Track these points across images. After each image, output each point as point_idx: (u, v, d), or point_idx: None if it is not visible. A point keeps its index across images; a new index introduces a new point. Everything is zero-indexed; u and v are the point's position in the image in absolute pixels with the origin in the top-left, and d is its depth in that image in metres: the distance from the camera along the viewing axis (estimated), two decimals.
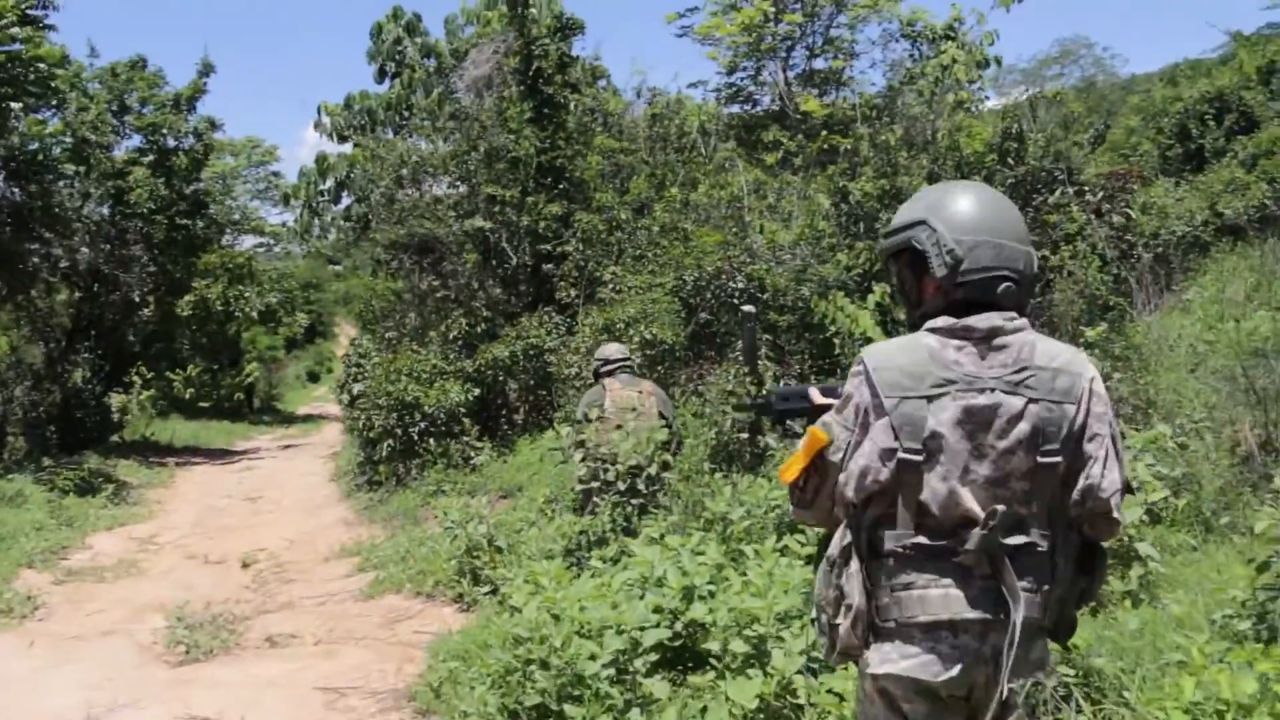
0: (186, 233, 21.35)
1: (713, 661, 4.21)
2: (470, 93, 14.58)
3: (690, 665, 4.42)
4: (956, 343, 2.24)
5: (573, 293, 12.56)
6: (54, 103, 16.56)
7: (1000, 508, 2.17)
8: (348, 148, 19.27)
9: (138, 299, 21.28)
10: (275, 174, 37.03)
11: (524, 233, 13.19)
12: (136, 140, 21.52)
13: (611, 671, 4.23)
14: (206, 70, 22.05)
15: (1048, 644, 2.38)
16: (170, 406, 27.52)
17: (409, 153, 14.33)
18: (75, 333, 21.08)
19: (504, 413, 12.35)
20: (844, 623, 2.29)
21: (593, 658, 4.24)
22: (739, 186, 13.58)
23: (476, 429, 11.53)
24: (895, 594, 2.24)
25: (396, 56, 19.95)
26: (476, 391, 11.60)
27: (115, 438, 20.91)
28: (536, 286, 13.43)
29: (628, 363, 7.44)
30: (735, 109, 20.27)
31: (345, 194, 18.49)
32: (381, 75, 20.44)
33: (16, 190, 16.71)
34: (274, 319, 29.59)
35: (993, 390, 2.21)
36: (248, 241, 35.01)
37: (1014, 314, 2.28)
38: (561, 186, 13.53)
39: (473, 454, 11.07)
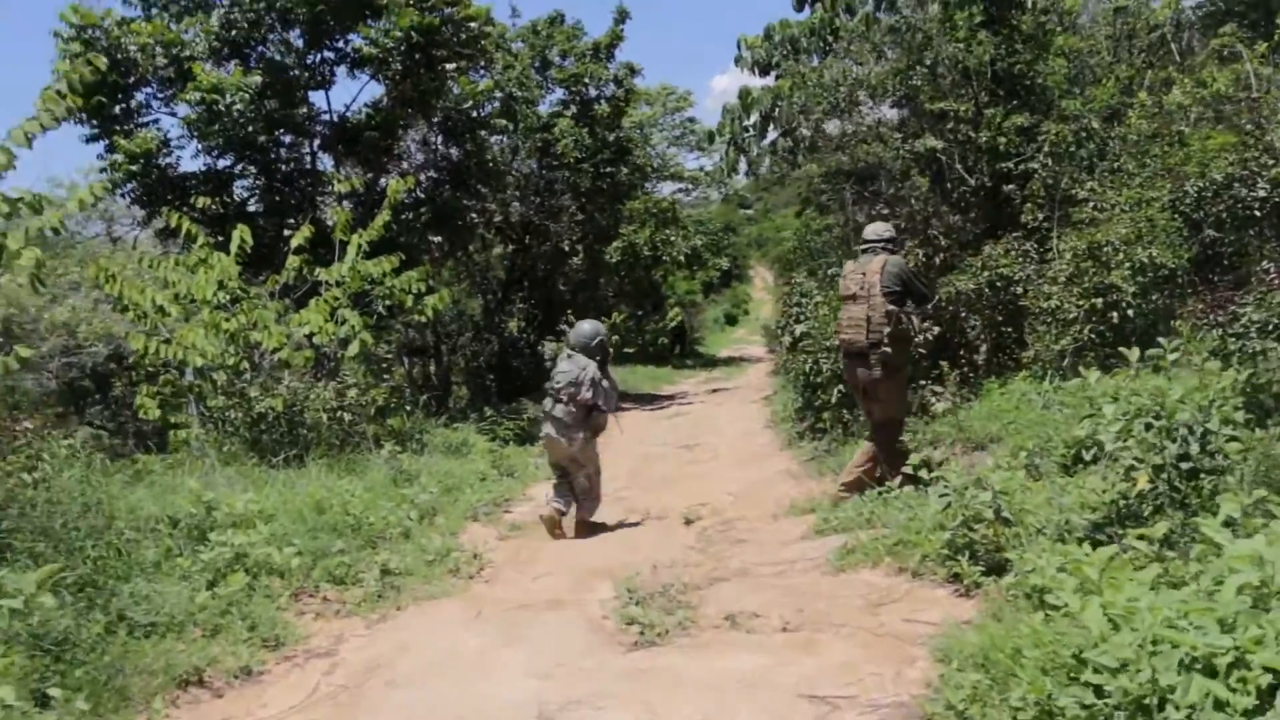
0: (611, 180, 21.34)
1: None
2: (911, 1, 13.09)
3: None
4: None
5: (1040, 215, 10.88)
6: (482, 63, 16.76)
7: None
8: (770, 80, 18.24)
9: (567, 248, 21.61)
10: (691, 119, 37.07)
11: (981, 151, 11.61)
12: (559, 94, 21.77)
13: None
14: (622, 17, 21.91)
15: None
16: None
17: (843, 75, 13.06)
18: (510, 284, 21.70)
19: (963, 353, 10.92)
20: None
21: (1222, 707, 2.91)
22: (1245, 73, 11.34)
23: (936, 372, 10.20)
24: None
25: None
26: (936, 329, 10.25)
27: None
28: (995, 210, 11.82)
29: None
30: (1192, 2, 17.53)
31: (771, 128, 17.48)
32: (801, 2, 19.23)
33: (454, 149, 17.05)
34: (699, 262, 29.43)
35: None
36: (667, 188, 35.32)
37: None
38: (1021, 97, 11.82)
39: (932, 399, 9.76)
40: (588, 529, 8.85)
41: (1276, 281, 7.86)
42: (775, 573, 6.77)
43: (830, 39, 17.03)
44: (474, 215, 18.72)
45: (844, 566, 6.35)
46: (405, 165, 16.97)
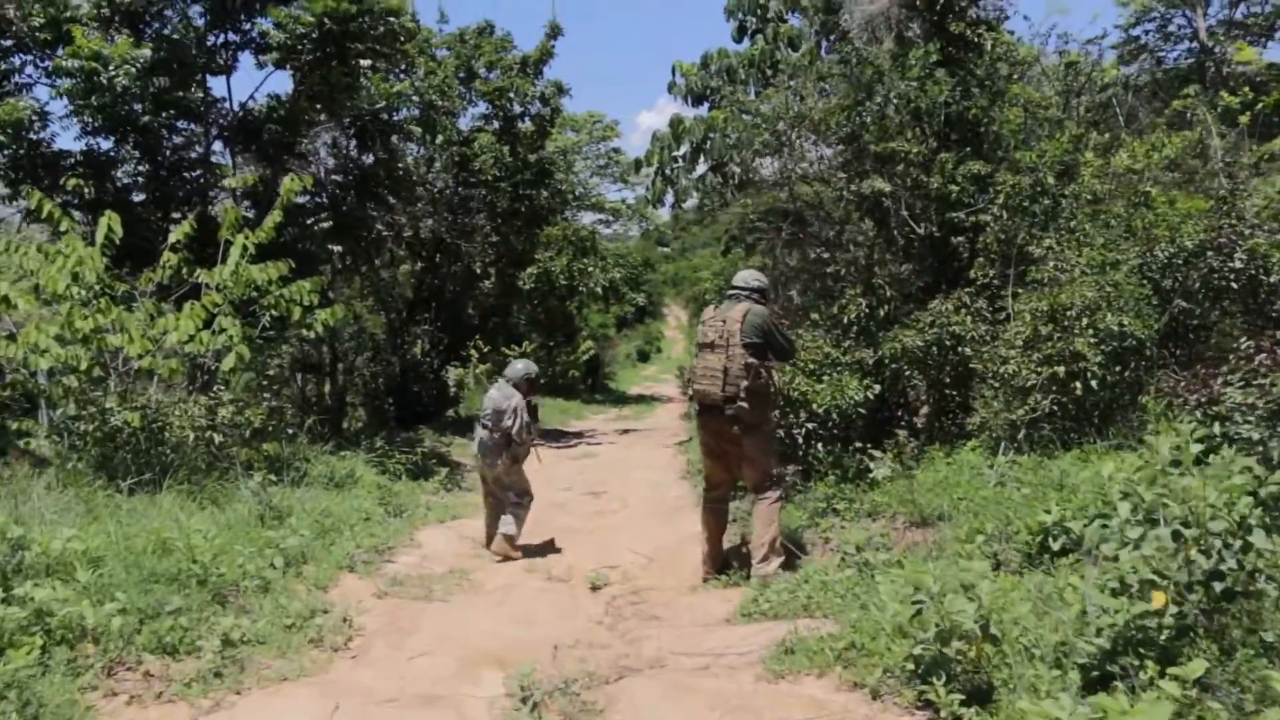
0: (530, 203, 20.20)
1: None
2: (864, 33, 12.24)
3: None
4: None
5: (991, 271, 10.04)
6: (402, 64, 15.58)
7: None
8: (704, 110, 17.36)
9: (479, 270, 20.41)
10: (616, 150, 36.21)
11: (931, 198, 10.75)
12: (482, 107, 20.67)
13: None
14: (554, 32, 20.92)
15: None
16: None
17: (785, 107, 12.16)
18: (416, 304, 20.44)
19: (902, 416, 10.01)
20: None
21: None
22: (1197, 140, 10.74)
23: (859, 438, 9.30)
24: None
25: (759, 10, 17.90)
26: (876, 388, 9.32)
27: (450, 412, 20.12)
28: (941, 263, 10.97)
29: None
30: (1131, 70, 17.14)
31: (701, 160, 16.58)
32: (741, 32, 18.42)
33: (364, 154, 15.82)
34: (616, 296, 28.41)
35: None
36: (587, 218, 34.35)
37: None
38: (974, 144, 11.01)
39: (870, 465, 8.81)
40: (509, 545, 8.86)
41: (1267, 362, 7.05)
42: (698, 668, 5.70)
43: (770, 72, 16.23)
44: (381, 227, 17.49)
45: (783, 672, 5.29)
46: (312, 166, 15.68)
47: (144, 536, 6.69)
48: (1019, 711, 4.11)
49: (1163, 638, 4.22)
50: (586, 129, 34.70)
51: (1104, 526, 4.52)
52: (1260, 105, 11.88)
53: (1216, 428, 6.83)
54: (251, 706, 4.92)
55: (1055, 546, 6.40)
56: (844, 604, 6.24)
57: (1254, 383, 7.09)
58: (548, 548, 9.36)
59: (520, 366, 9.17)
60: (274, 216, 10.46)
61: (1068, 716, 3.54)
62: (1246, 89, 13.07)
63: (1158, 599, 4.18)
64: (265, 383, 11.12)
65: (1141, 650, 4.21)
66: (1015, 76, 12.09)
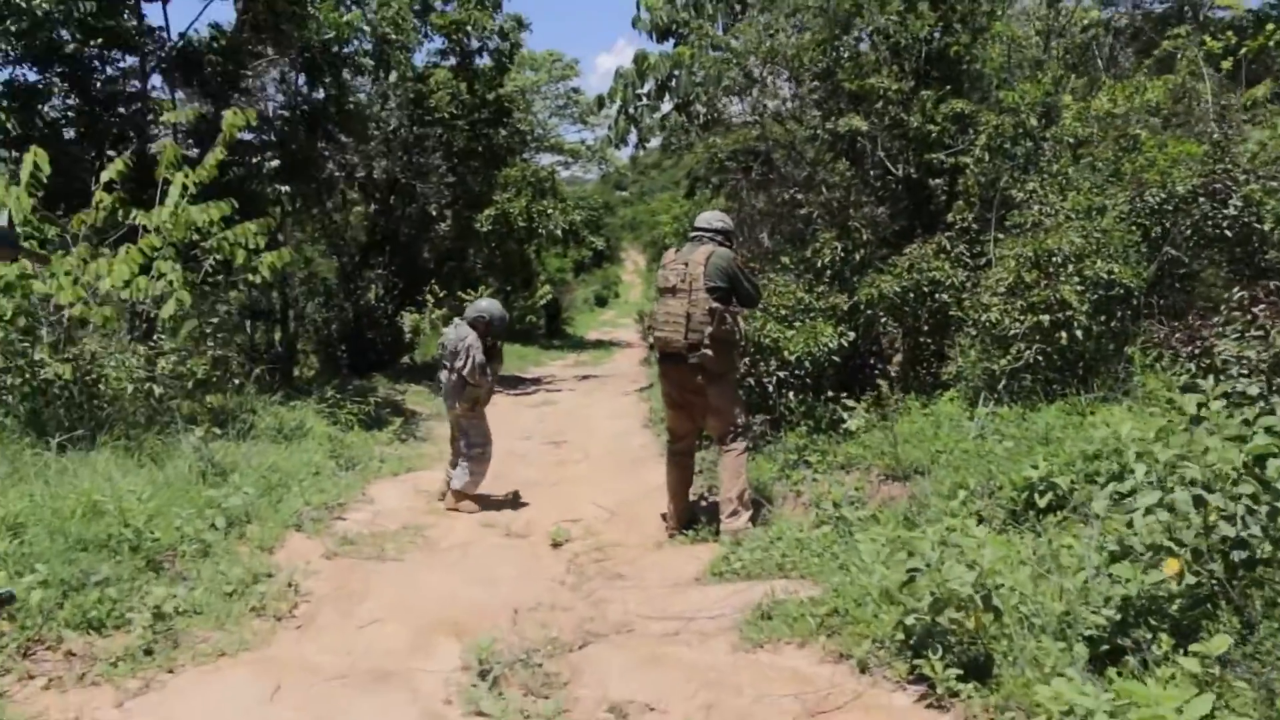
0: (488, 142, 19.56)
1: None
2: None
3: None
4: None
5: (969, 215, 9.65)
6: None
7: None
8: (670, 47, 16.76)
9: (435, 212, 19.77)
10: (576, 90, 35.40)
11: (909, 138, 10.31)
12: (439, 43, 19.92)
13: None
14: None
15: None
16: None
17: (755, 43, 11.64)
18: (370, 248, 19.79)
19: (876, 365, 9.65)
20: None
21: None
22: (1191, 84, 10.39)
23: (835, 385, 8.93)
24: None
25: None
26: (851, 335, 8.94)
27: (406, 359, 19.61)
28: (917, 206, 10.56)
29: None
30: (1108, 13, 16.77)
31: (667, 98, 16.01)
32: None
33: (313, 88, 15.10)
34: (575, 239, 27.79)
35: None
36: (546, 159, 33.61)
37: None
38: (955, 82, 10.57)
39: (845, 416, 8.44)
40: (462, 500, 8.57)
41: (1265, 313, 6.74)
42: (668, 634, 5.34)
43: (739, 7, 15.66)
44: (333, 167, 16.83)
45: (761, 641, 4.92)
46: (260, 103, 14.93)
47: (73, 499, 6.19)
48: (1023, 687, 3.78)
49: (1175, 608, 3.90)
50: (546, 68, 33.81)
51: (1116, 491, 4.12)
52: (1244, 50, 11.55)
53: (1211, 381, 6.53)
54: (183, 688, 4.49)
55: (1041, 503, 6.08)
56: (822, 564, 5.91)
57: (1249, 334, 6.79)
58: (507, 501, 8.96)
59: (483, 305, 8.76)
60: (216, 154, 9.87)
61: (1084, 700, 3.18)
62: (1229, 33, 12.73)
63: (1171, 566, 3.85)
64: (210, 331, 10.55)
65: (1153, 622, 3.89)
66: (997, 13, 11.62)
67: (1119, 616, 3.92)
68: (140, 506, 6.28)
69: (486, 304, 8.79)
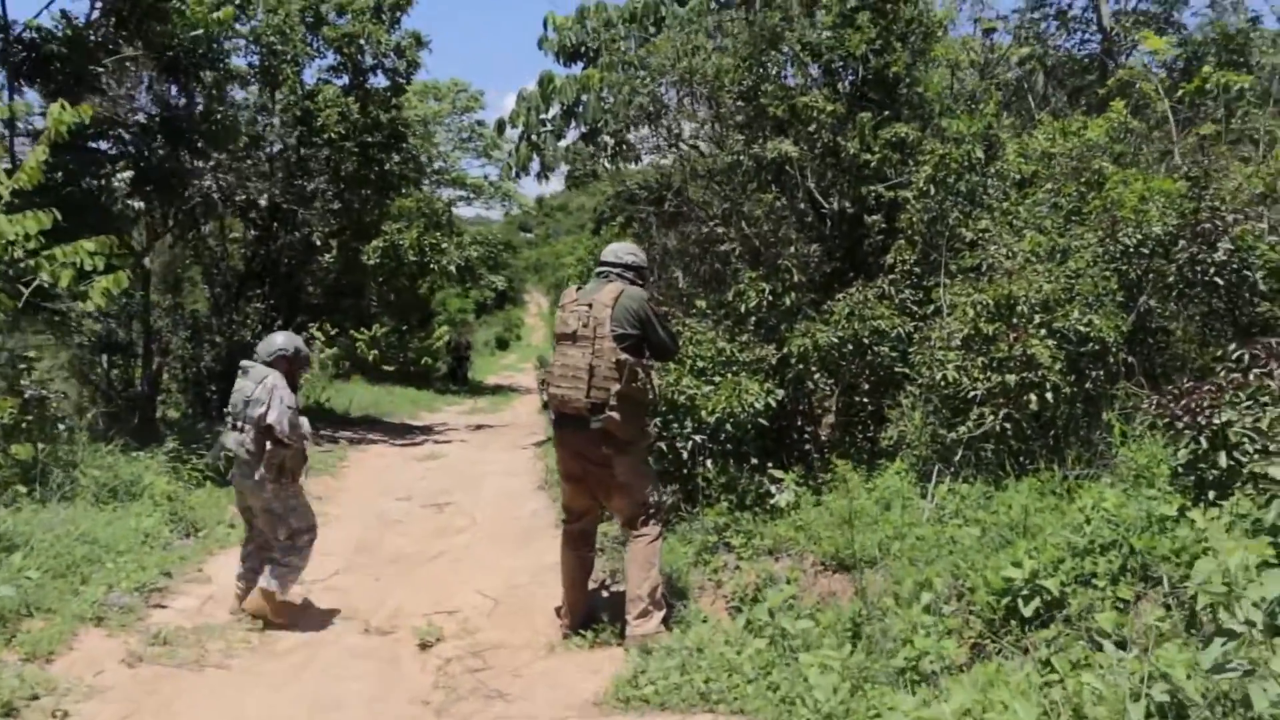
0: (380, 169, 18.01)
1: None
2: None
3: None
4: None
5: (910, 256, 8.46)
6: None
7: None
8: (578, 69, 15.55)
9: (319, 241, 18.13)
10: (480, 123, 34.07)
11: (843, 168, 9.12)
12: (330, 59, 18.37)
13: None
14: None
15: None
16: (353, 368, 24.78)
17: (672, 60, 10.43)
18: (248, 278, 18.04)
19: (804, 427, 8.37)
20: None
21: None
22: (1120, 124, 9.46)
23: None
24: None
25: None
26: (780, 394, 7.63)
27: None
28: (852, 246, 9.37)
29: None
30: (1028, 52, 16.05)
31: (573, 125, 14.77)
32: None
33: (172, 88, 13.42)
34: (471, 276, 26.22)
35: None
36: (446, 193, 32.18)
37: None
38: (893, 107, 9.45)
39: (773, 489, 7.15)
40: (278, 611, 6.43)
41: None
42: None
43: (654, 29, 14.53)
44: (210, 186, 15.14)
45: None
46: (121, 108, 13.18)
47: None
48: None
49: None
50: (449, 98, 32.45)
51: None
52: (1180, 92, 10.85)
53: (1222, 459, 5.38)
54: None
55: (1026, 611, 4.89)
56: (758, 694, 4.59)
57: (1259, 400, 5.66)
58: (371, 585, 7.49)
59: (279, 340, 6.73)
60: (37, 153, 8.28)
61: None
62: (1163, 75, 12.10)
63: None
64: (23, 367, 8.92)
65: None
66: (936, 34, 10.57)
67: None
68: None
69: (284, 338, 6.80)
